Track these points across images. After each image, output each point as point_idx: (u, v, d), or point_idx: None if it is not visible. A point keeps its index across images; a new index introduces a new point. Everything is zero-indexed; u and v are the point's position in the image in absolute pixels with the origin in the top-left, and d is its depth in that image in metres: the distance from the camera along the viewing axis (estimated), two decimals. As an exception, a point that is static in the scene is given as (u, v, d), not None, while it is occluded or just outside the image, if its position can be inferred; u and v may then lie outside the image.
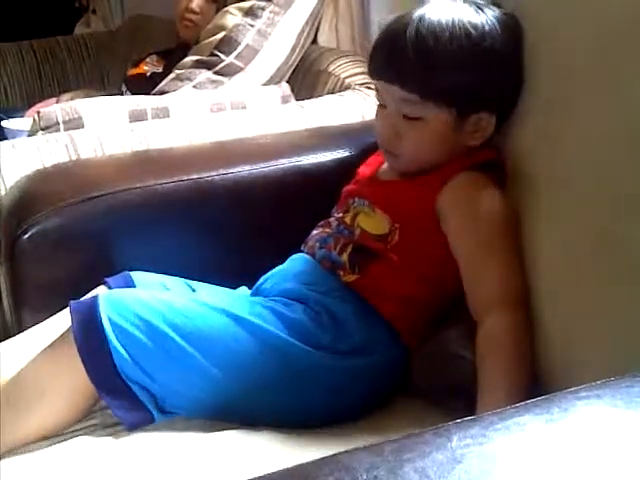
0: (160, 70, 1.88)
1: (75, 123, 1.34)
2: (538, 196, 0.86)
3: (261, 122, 1.38)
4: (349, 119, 1.42)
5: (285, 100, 1.57)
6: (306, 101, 1.52)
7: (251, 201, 1.09)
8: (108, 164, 1.15)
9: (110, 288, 0.94)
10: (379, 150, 1.01)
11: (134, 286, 0.95)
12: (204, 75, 1.62)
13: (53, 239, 0.98)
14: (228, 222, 1.08)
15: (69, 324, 0.83)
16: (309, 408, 0.85)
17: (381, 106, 0.96)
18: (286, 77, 1.70)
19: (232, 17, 1.68)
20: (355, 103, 1.49)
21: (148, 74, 1.90)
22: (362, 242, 0.93)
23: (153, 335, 0.82)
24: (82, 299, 0.87)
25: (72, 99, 1.81)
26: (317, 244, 0.96)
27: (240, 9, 1.69)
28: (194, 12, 1.83)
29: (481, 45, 0.89)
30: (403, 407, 0.88)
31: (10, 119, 1.78)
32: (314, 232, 0.99)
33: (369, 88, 1.49)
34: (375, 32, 1.62)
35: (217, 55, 1.64)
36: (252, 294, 0.97)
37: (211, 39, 1.67)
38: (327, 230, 0.97)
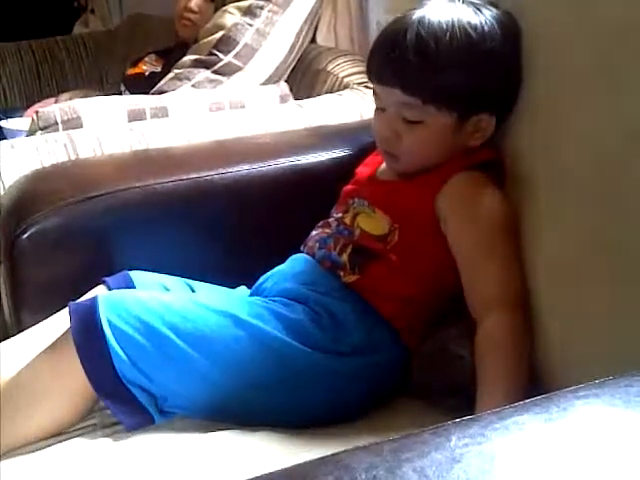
0: (159, 69, 1.88)
1: (74, 123, 1.34)
2: (537, 196, 0.86)
3: (260, 121, 1.38)
4: (347, 118, 1.42)
5: (284, 99, 1.57)
6: (305, 100, 1.53)
7: (250, 200, 1.09)
8: (107, 164, 1.15)
9: (109, 288, 0.94)
10: (377, 150, 1.00)
11: (133, 285, 0.95)
12: (203, 74, 1.62)
13: (52, 239, 0.98)
14: (227, 221, 1.08)
15: (68, 325, 0.83)
16: (308, 408, 0.85)
17: (379, 109, 0.96)
18: (285, 76, 1.70)
19: (231, 16, 1.68)
20: (353, 102, 1.50)
21: (147, 73, 1.90)
22: (362, 243, 0.93)
23: (152, 337, 0.82)
24: (81, 300, 0.87)
25: (71, 99, 1.81)
26: (317, 244, 0.96)
27: (239, 8, 1.69)
28: (193, 11, 1.83)
29: (482, 47, 0.89)
30: (402, 407, 0.88)
31: (9, 119, 1.78)
32: (313, 232, 0.99)
33: (367, 87, 1.49)
34: (374, 31, 1.63)
35: (216, 54, 1.64)
36: (251, 294, 0.97)
37: (210, 38, 1.67)
38: (327, 230, 0.97)
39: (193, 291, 0.98)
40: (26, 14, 2.74)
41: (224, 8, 1.73)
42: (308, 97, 1.57)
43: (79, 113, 1.35)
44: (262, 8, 1.66)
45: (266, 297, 0.93)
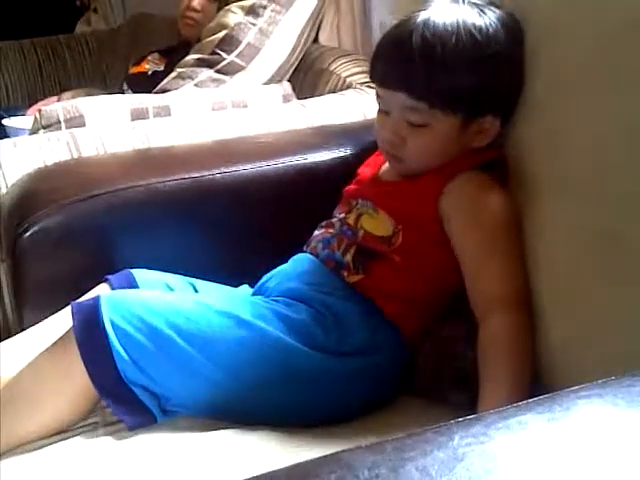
0: (161, 68, 1.88)
1: (76, 121, 1.34)
2: (539, 196, 0.86)
3: (262, 121, 1.38)
4: (350, 118, 1.42)
5: (286, 99, 1.57)
6: (307, 100, 1.52)
7: (252, 199, 1.09)
8: (109, 162, 1.16)
9: (112, 286, 0.94)
10: (379, 150, 1.00)
11: (136, 284, 0.95)
12: (205, 74, 1.62)
13: (54, 237, 0.98)
14: (229, 220, 1.08)
15: (70, 324, 0.83)
16: (310, 408, 0.85)
17: (383, 112, 0.95)
18: (287, 76, 1.70)
19: (234, 16, 1.68)
20: (356, 102, 1.50)
21: (150, 72, 1.90)
22: (365, 243, 0.93)
23: (155, 337, 0.82)
24: (84, 300, 0.86)
25: (73, 97, 1.81)
26: (320, 245, 0.96)
27: (242, 8, 1.69)
28: (196, 10, 1.83)
29: (487, 48, 0.88)
30: (404, 406, 0.88)
31: (11, 117, 1.78)
32: (316, 232, 0.99)
33: (370, 87, 1.49)
34: (376, 31, 1.63)
35: (218, 54, 1.64)
36: (254, 293, 0.97)
37: (213, 37, 1.68)
38: (330, 231, 0.97)
39: (195, 289, 0.98)
40: (29, 13, 2.75)
41: (227, 7, 1.73)
42: (311, 97, 1.57)
43: (82, 112, 1.35)
44: (265, 7, 1.66)
45: (269, 297, 0.93)
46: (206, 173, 1.07)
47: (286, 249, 0.99)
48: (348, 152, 1.14)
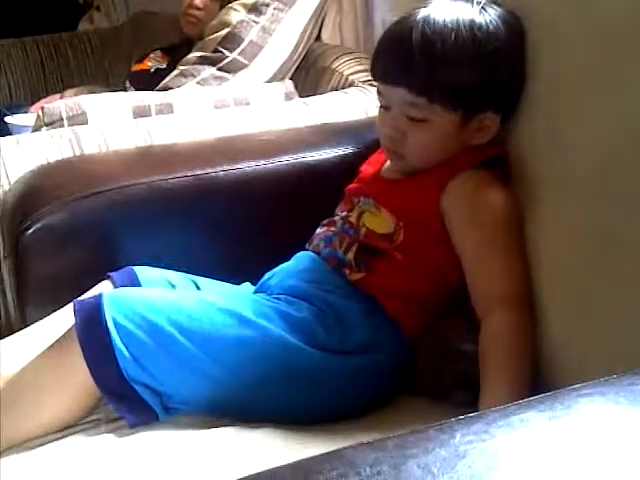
0: (164, 66, 1.88)
1: (79, 119, 1.34)
2: (541, 194, 0.86)
3: (265, 119, 1.38)
4: (353, 116, 1.42)
5: (289, 97, 1.57)
6: (310, 98, 1.52)
7: (254, 197, 1.10)
8: (112, 160, 1.16)
9: (114, 283, 0.95)
10: (381, 148, 1.00)
11: (138, 281, 0.95)
12: (208, 71, 1.62)
13: (57, 234, 0.98)
14: (231, 218, 1.08)
15: (72, 322, 0.83)
16: (312, 406, 0.85)
17: (383, 108, 0.96)
18: (290, 74, 1.70)
19: (236, 13, 1.68)
20: (358, 100, 1.49)
21: (152, 70, 1.90)
22: (367, 241, 0.93)
23: (157, 336, 0.82)
24: (86, 298, 0.86)
25: (76, 95, 1.81)
26: (322, 243, 0.96)
27: (244, 5, 1.69)
28: (198, 8, 1.83)
29: (487, 46, 0.89)
30: (406, 404, 0.88)
31: (14, 115, 1.78)
32: (319, 230, 1.00)
33: (372, 85, 1.49)
34: (379, 29, 1.63)
35: (221, 51, 1.64)
36: (256, 290, 0.98)
37: (215, 35, 1.68)
38: (332, 229, 0.98)
39: (197, 287, 0.98)
40: (31, 11, 2.75)
41: (229, 5, 1.73)
42: (313, 95, 1.57)
43: (84, 109, 1.35)
44: (267, 5, 1.66)
45: (271, 294, 0.93)
46: (208, 170, 1.07)
47: (288, 247, 0.99)
48: (350, 150, 1.14)
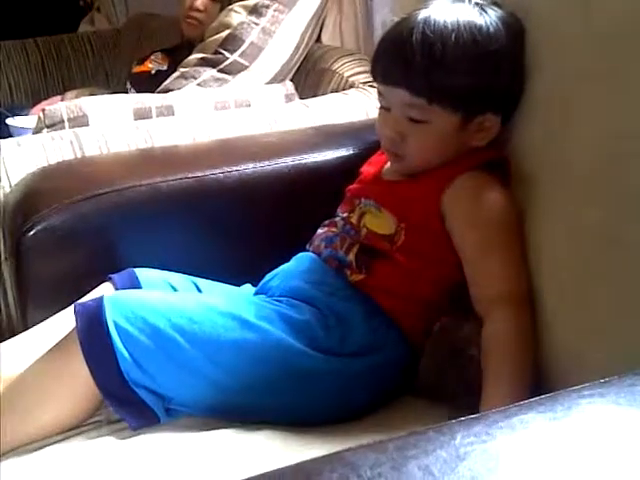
0: (165, 68, 1.88)
1: (80, 121, 1.34)
2: (541, 195, 0.86)
3: (265, 120, 1.38)
4: (353, 117, 1.42)
5: (289, 98, 1.57)
6: (310, 99, 1.53)
7: (255, 199, 1.10)
8: (113, 162, 1.16)
9: (115, 284, 0.95)
10: (381, 149, 1.00)
11: (139, 283, 0.95)
12: (208, 73, 1.63)
13: (58, 236, 0.98)
14: (232, 219, 1.08)
15: (73, 324, 0.83)
16: (313, 408, 0.85)
17: (384, 109, 0.96)
18: (290, 75, 1.70)
19: (237, 15, 1.68)
20: (359, 101, 1.50)
21: (153, 71, 1.90)
22: (368, 242, 0.93)
23: (158, 339, 0.82)
24: (87, 301, 0.86)
25: (77, 97, 1.81)
26: (323, 243, 0.96)
27: (245, 7, 1.69)
28: (199, 10, 1.83)
29: (487, 47, 0.89)
30: (407, 405, 0.88)
31: (15, 117, 1.78)
32: (319, 231, 1.00)
33: (373, 87, 1.49)
34: (379, 31, 1.63)
35: (221, 53, 1.64)
36: (257, 292, 0.98)
37: (216, 37, 1.68)
38: (333, 230, 0.98)
39: (198, 289, 0.98)
40: (32, 12, 2.75)
41: (230, 7, 1.73)
42: (313, 96, 1.57)
43: (85, 111, 1.36)
44: (268, 7, 1.66)
45: (271, 296, 0.93)
46: (209, 172, 1.07)
47: (289, 248, 0.99)
48: (351, 151, 1.14)
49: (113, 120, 1.36)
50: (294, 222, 1.08)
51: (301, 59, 1.73)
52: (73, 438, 0.82)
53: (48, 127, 1.33)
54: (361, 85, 1.57)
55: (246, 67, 1.63)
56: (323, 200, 1.03)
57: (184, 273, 1.00)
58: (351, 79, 1.60)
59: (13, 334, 0.94)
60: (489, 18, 0.91)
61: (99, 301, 0.83)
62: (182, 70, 1.66)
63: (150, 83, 1.74)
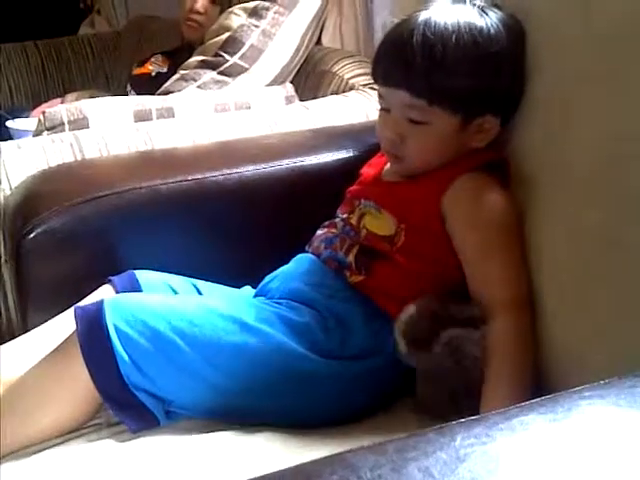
0: (165, 70, 1.88)
1: (80, 123, 1.34)
2: (541, 197, 0.86)
3: (265, 122, 1.38)
4: (353, 119, 1.42)
5: (289, 100, 1.57)
6: (310, 101, 1.53)
7: (255, 201, 1.10)
8: (113, 164, 1.16)
9: (115, 287, 0.95)
10: (381, 150, 1.01)
11: (139, 285, 0.95)
12: (208, 75, 1.63)
13: (58, 239, 0.98)
14: (232, 222, 1.08)
15: (73, 327, 0.83)
16: (313, 410, 0.85)
17: (384, 110, 0.96)
18: (290, 77, 1.71)
19: (236, 18, 1.69)
20: (359, 103, 1.50)
21: (153, 74, 1.90)
22: (368, 243, 0.93)
23: (158, 342, 0.82)
24: (87, 304, 0.86)
25: (77, 99, 1.81)
26: (322, 244, 0.96)
27: (244, 10, 1.69)
28: (199, 13, 1.84)
29: (488, 49, 0.89)
30: (407, 407, 0.88)
31: (15, 119, 1.79)
32: (319, 232, 1.00)
33: (373, 89, 1.50)
34: (379, 33, 1.63)
35: (221, 55, 1.65)
36: (256, 294, 0.98)
37: (216, 39, 1.68)
38: (333, 231, 0.98)
39: (198, 291, 0.98)
40: (32, 15, 2.76)
41: (230, 9, 1.73)
42: (313, 98, 1.57)
43: (85, 113, 1.36)
44: (268, 9, 1.67)
45: (271, 298, 0.93)
46: (209, 175, 1.07)
47: (289, 250, 0.99)
48: (351, 153, 1.14)
49: (113, 122, 1.36)
50: (294, 224, 1.08)
51: (301, 61, 1.73)
52: (73, 441, 0.82)
53: (48, 129, 1.33)
54: (361, 87, 1.57)
55: (246, 69, 1.63)
56: (323, 202, 1.03)
57: (184, 275, 1.00)
58: (351, 81, 1.60)
59: (13, 337, 0.94)
60: (489, 20, 0.91)
61: (99, 304, 0.83)
62: (182, 72, 1.66)
63: (150, 85, 1.74)
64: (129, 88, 1.90)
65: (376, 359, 0.87)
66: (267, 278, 0.97)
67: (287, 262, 0.98)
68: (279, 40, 1.66)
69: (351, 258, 0.93)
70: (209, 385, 0.83)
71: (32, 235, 0.96)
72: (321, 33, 1.77)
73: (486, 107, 0.91)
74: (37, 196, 1.03)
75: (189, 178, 1.06)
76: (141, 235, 1.03)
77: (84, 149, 1.22)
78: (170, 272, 0.99)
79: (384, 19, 1.63)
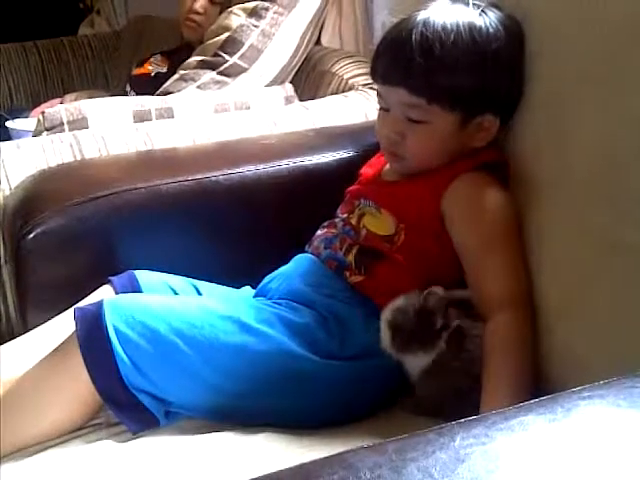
0: (164, 70, 1.88)
1: (80, 123, 1.34)
2: (542, 197, 0.86)
3: (265, 122, 1.38)
4: (352, 119, 1.42)
5: (289, 100, 1.57)
6: (310, 102, 1.53)
7: (255, 201, 1.10)
8: (112, 164, 1.16)
9: (115, 287, 0.95)
10: (381, 150, 1.01)
11: (139, 285, 0.95)
12: (208, 75, 1.63)
13: (58, 239, 0.98)
14: (231, 222, 1.08)
15: (73, 327, 0.83)
16: (313, 411, 0.85)
17: (383, 110, 0.96)
18: (290, 77, 1.71)
19: (236, 18, 1.68)
20: (358, 103, 1.50)
21: (153, 74, 1.90)
22: (368, 243, 0.93)
23: (158, 343, 0.82)
24: (86, 305, 0.87)
25: (76, 99, 1.81)
26: (322, 245, 0.96)
27: (244, 10, 1.69)
28: (198, 13, 1.83)
29: (486, 48, 0.89)
30: (407, 407, 0.88)
31: (15, 119, 1.78)
32: (319, 232, 1.00)
33: (372, 89, 1.49)
34: (379, 33, 1.62)
35: (221, 55, 1.64)
36: (256, 294, 0.98)
37: (215, 39, 1.68)
38: (332, 231, 0.98)
39: (198, 291, 0.98)
40: (32, 15, 2.75)
41: (229, 9, 1.73)
42: (313, 98, 1.57)
43: (85, 114, 1.36)
44: (267, 9, 1.67)
45: (271, 298, 0.93)
46: (209, 175, 1.07)
47: (289, 250, 0.99)
48: (350, 153, 1.14)
49: (113, 122, 1.36)
50: (294, 224, 1.08)
51: (301, 61, 1.73)
52: (73, 441, 0.82)
53: (48, 130, 1.33)
54: (361, 87, 1.57)
55: (246, 69, 1.63)
56: (323, 202, 1.03)
57: (184, 275, 1.00)
58: (351, 81, 1.60)
59: (13, 337, 0.94)
60: (488, 19, 0.91)
61: (98, 306, 0.83)
62: (182, 72, 1.66)
63: (150, 85, 1.74)
64: (129, 88, 1.90)
65: (376, 359, 0.87)
66: (267, 278, 0.97)
67: (287, 262, 0.98)
68: (278, 40, 1.66)
69: (351, 258, 0.93)
70: (209, 386, 0.83)
71: (32, 235, 0.96)
72: (320, 33, 1.77)
73: (485, 106, 0.91)
74: (37, 196, 1.03)
75: (189, 178, 1.06)
76: (141, 235, 1.03)
77: (83, 149, 1.22)
78: (170, 272, 0.99)
79: (383, 19, 1.62)
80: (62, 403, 0.83)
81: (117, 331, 0.81)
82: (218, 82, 1.62)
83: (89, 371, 0.81)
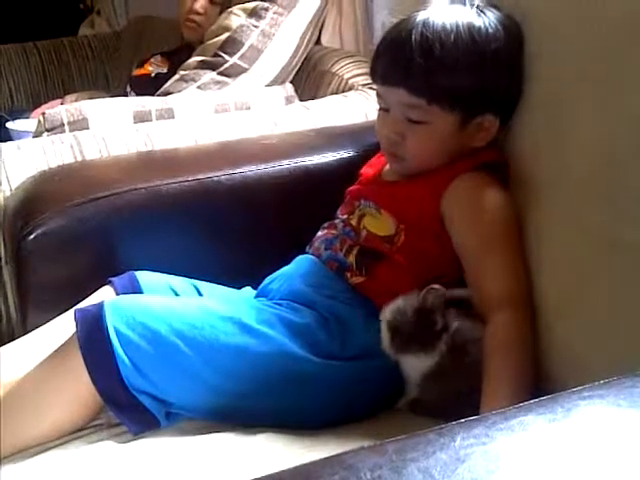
0: (165, 70, 1.88)
1: (80, 124, 1.34)
2: (541, 196, 0.86)
3: (265, 123, 1.38)
4: (353, 119, 1.42)
5: (289, 100, 1.57)
6: (310, 102, 1.53)
7: (255, 201, 1.10)
8: (113, 165, 1.16)
9: (115, 288, 0.95)
10: (381, 150, 1.01)
11: (139, 286, 0.95)
12: (208, 76, 1.63)
13: (58, 239, 0.98)
14: (232, 222, 1.08)
15: (73, 328, 0.83)
16: (313, 412, 0.85)
17: (383, 110, 0.96)
18: (290, 78, 1.71)
19: (236, 18, 1.69)
20: (359, 103, 1.50)
21: (153, 74, 1.90)
22: (368, 244, 0.93)
23: (159, 344, 0.82)
24: (87, 306, 0.87)
25: (77, 100, 1.81)
26: (323, 245, 0.96)
27: (244, 10, 1.69)
28: (198, 13, 1.83)
29: (485, 48, 0.89)
30: (407, 407, 0.88)
31: (15, 120, 1.79)
32: (319, 233, 1.00)
33: (372, 89, 1.49)
34: (379, 33, 1.63)
35: (221, 56, 1.65)
36: (257, 295, 0.98)
37: (215, 40, 1.68)
38: (333, 232, 0.98)
39: (199, 292, 0.98)
40: (32, 16, 2.75)
41: (229, 10, 1.73)
42: (313, 98, 1.57)
43: (85, 114, 1.36)
44: (267, 10, 1.67)
45: (272, 299, 0.93)
46: (209, 175, 1.07)
47: (289, 251, 0.99)
48: (351, 154, 1.14)
49: (113, 123, 1.36)
50: (294, 224, 1.08)
51: (301, 61, 1.73)
52: (73, 442, 0.82)
53: (48, 130, 1.34)
54: (361, 87, 1.57)
55: (246, 70, 1.63)
56: (323, 202, 1.03)
57: (184, 276, 1.00)
58: (351, 81, 1.60)
59: (13, 338, 0.94)
60: (487, 20, 0.91)
61: (99, 307, 0.83)
62: (182, 73, 1.66)
63: (150, 86, 1.74)
64: (129, 89, 1.90)
65: (376, 360, 0.87)
66: (268, 279, 0.97)
67: (288, 263, 0.98)
68: (278, 40, 1.66)
69: (351, 259, 0.93)
70: (210, 387, 0.83)
71: (32, 236, 0.96)
72: (320, 33, 1.77)
73: (485, 106, 0.91)
74: (37, 197, 1.03)
75: (189, 179, 1.06)
76: (141, 236, 1.03)
77: (84, 150, 1.22)
78: (170, 273, 0.99)
79: (383, 19, 1.63)
80: (63, 404, 0.83)
81: (118, 332, 0.81)
82: (218, 82, 1.62)
83: (90, 372, 0.81)
